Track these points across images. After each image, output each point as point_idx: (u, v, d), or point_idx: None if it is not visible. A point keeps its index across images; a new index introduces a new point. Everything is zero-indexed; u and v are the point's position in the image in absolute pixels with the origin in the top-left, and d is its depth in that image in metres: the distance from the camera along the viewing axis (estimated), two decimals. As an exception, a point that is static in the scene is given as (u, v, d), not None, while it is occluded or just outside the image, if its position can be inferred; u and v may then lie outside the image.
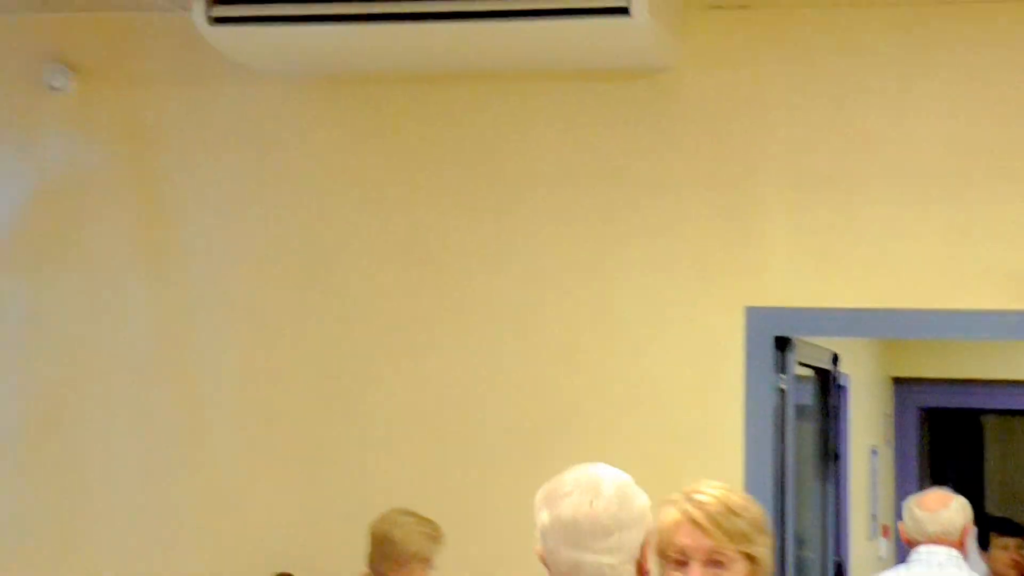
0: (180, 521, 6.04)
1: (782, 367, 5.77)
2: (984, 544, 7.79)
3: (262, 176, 6.08)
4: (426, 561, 5.35)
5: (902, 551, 6.52)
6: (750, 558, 3.41)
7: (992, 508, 11.55)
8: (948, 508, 6.03)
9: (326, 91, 6.04)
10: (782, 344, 5.76)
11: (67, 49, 6.18)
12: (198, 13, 5.52)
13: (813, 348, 7.21)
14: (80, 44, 6.18)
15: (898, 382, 11.03)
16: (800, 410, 6.43)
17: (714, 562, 3.40)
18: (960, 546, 6.02)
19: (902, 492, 9.87)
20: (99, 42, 6.17)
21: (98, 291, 6.14)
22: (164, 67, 6.14)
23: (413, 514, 5.43)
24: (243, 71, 5.94)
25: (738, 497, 3.48)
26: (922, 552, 6.00)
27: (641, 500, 3.50)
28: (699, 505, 3.43)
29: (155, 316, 6.11)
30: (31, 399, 6.16)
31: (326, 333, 6.00)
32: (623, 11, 5.25)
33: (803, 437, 7.10)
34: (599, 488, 3.45)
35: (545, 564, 3.47)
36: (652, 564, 3.49)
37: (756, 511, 3.48)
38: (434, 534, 5.38)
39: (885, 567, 7.89)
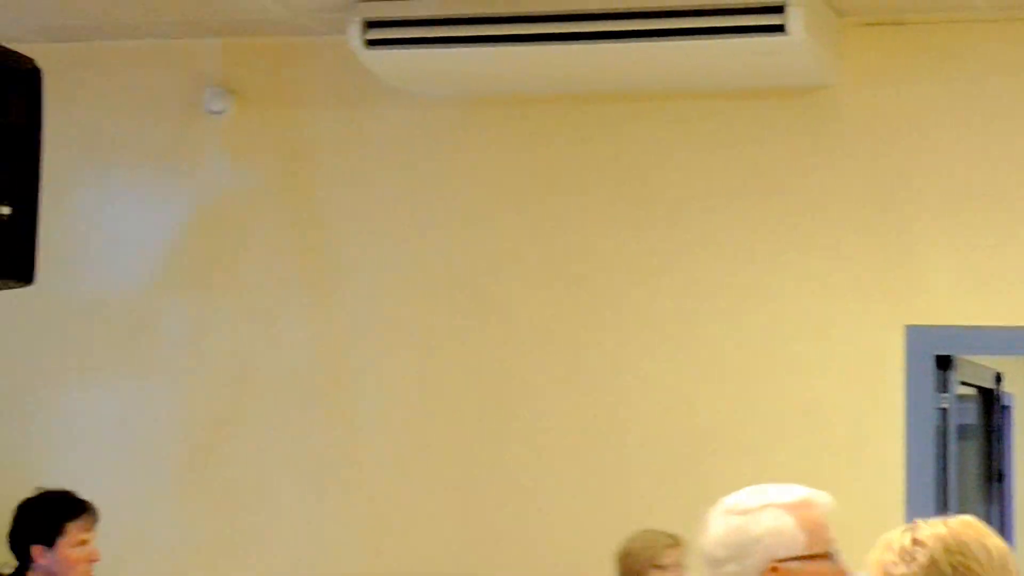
0: (338, 540, 6.08)
1: (943, 386, 5.68)
2: None
3: (417, 197, 6.11)
4: (663, 568, 5.27)
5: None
6: None
7: None
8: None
9: (480, 112, 6.05)
10: (943, 363, 5.66)
11: (226, 73, 6.26)
12: (354, 37, 5.57)
13: (975, 367, 7.07)
14: (239, 68, 6.26)
15: (1065, 402, 10.78)
16: (962, 430, 6.31)
17: None
18: None
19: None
20: (257, 66, 6.25)
21: (257, 312, 6.20)
22: (320, 90, 6.20)
23: (652, 529, 5.38)
24: (398, 93, 5.98)
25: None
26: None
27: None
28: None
29: (312, 336, 6.16)
30: (191, 419, 6.24)
31: (480, 352, 6.01)
32: (778, 29, 5.21)
33: (966, 458, 6.97)
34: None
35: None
36: None
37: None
38: (670, 542, 5.29)
39: (1051, 590, 7.69)
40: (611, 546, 5.40)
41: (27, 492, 4.98)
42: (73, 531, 4.86)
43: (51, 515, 4.89)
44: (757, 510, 3.28)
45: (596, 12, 5.34)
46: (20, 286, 5.28)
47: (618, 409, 5.88)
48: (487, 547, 5.93)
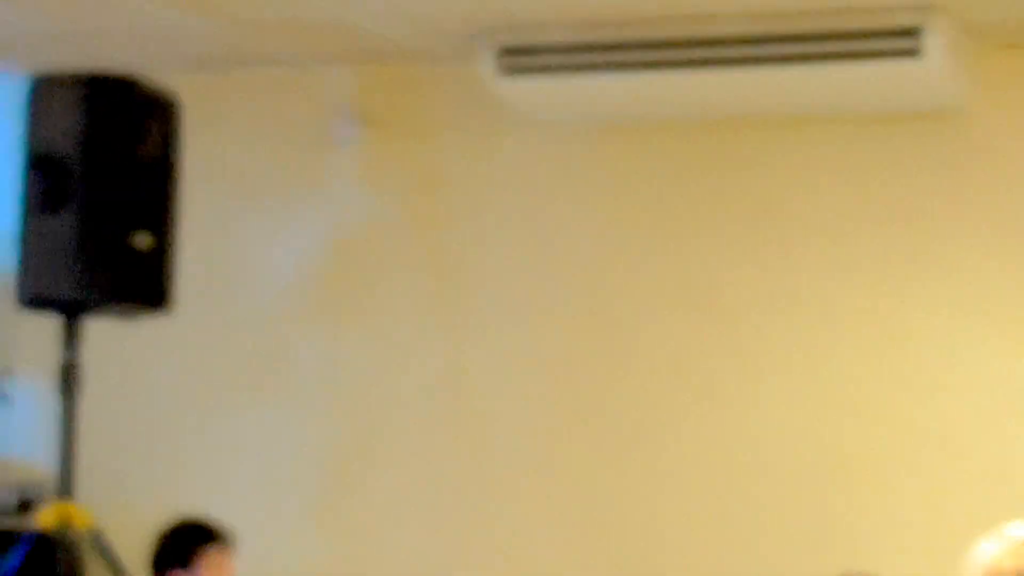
0: (469, 566, 6.07)
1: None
2: None
3: (548, 225, 6.11)
4: None
5: None
6: None
7: None
8: None
9: (612, 139, 6.04)
10: (1084, 389, 5.58)
11: (356, 101, 6.30)
12: (486, 64, 5.59)
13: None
14: (368, 96, 6.29)
15: None
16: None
17: None
18: None
19: None
20: (389, 94, 6.28)
21: (388, 340, 6.22)
22: (452, 118, 6.22)
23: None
24: (530, 121, 5.99)
25: None
26: None
27: None
28: None
29: (443, 364, 6.17)
30: (325, 446, 6.27)
31: (610, 380, 5.99)
32: (913, 52, 5.17)
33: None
34: None
35: None
36: None
37: None
38: None
39: None
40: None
41: (167, 518, 5.04)
42: (210, 556, 4.92)
43: (188, 540, 4.98)
44: None
45: (729, 38, 5.33)
46: (158, 314, 5.36)
47: (747, 438, 5.84)
48: (618, 567, 5.92)
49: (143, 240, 5.19)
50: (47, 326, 5.29)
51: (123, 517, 5.85)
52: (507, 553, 6.06)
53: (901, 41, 5.21)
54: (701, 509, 5.86)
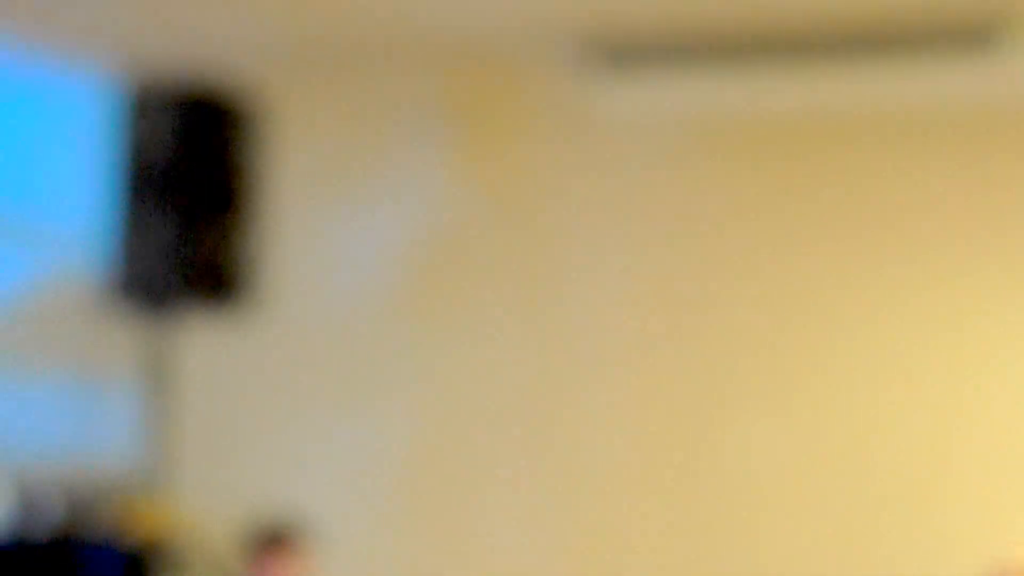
0: (559, 560, 6.06)
1: None
2: None
3: (641, 224, 6.09)
4: None
5: None
6: None
7: None
8: None
9: (702, 140, 6.01)
10: None
11: (446, 102, 6.31)
12: (577, 66, 5.59)
13: None
14: (459, 97, 6.29)
15: None
16: None
17: None
18: None
19: None
20: (478, 95, 6.28)
21: (479, 340, 6.23)
22: (541, 119, 6.21)
23: None
24: (620, 122, 5.97)
25: None
26: None
27: None
28: None
29: (534, 362, 6.17)
30: (419, 442, 6.29)
31: (702, 376, 5.96)
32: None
33: None
34: None
35: None
36: None
37: None
38: None
39: None
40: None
41: (256, 516, 5.07)
42: (276, 556, 4.94)
43: (262, 540, 5.01)
44: None
45: (826, 38, 5.30)
46: (249, 314, 5.40)
47: (837, 439, 5.81)
48: (707, 569, 5.90)
49: (233, 240, 5.23)
50: (140, 326, 5.33)
51: (213, 514, 5.90)
52: (600, 553, 6.05)
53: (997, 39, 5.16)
54: (797, 508, 5.82)
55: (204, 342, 6.05)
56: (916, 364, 5.74)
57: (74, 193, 6.54)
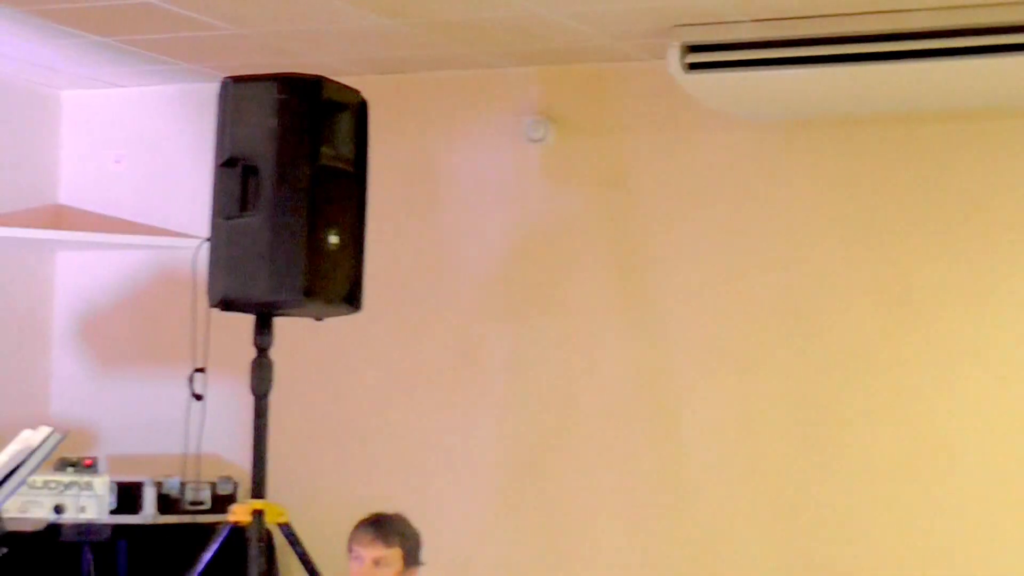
0: (660, 566, 6.05)
1: None
2: None
3: (738, 221, 6.06)
4: None
5: None
6: None
7: None
8: None
9: (801, 135, 5.97)
10: None
11: (545, 101, 6.31)
12: (673, 61, 5.56)
13: None
14: (558, 96, 6.30)
15: None
16: None
17: None
18: None
19: None
20: (576, 93, 6.28)
21: (578, 338, 6.22)
22: (640, 116, 6.20)
23: None
24: (718, 117, 5.94)
25: None
26: None
27: None
28: None
29: (634, 362, 6.16)
30: (514, 444, 6.30)
31: (804, 377, 5.92)
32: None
33: None
34: None
35: None
36: None
37: None
38: None
39: None
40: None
41: (354, 513, 5.07)
42: (353, 548, 4.94)
43: (358, 528, 5.01)
44: None
45: (918, 31, 5.23)
46: (350, 313, 5.43)
47: (946, 437, 5.74)
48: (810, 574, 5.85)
49: (333, 240, 5.25)
50: (240, 325, 5.38)
51: (314, 512, 5.94)
52: (701, 551, 6.02)
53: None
54: (898, 508, 5.77)
55: (303, 341, 6.10)
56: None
57: (181, 193, 6.63)
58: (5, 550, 4.72)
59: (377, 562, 4.88)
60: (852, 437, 5.85)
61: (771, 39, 5.42)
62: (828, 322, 5.91)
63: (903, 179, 5.84)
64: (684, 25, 5.52)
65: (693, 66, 5.53)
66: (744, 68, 5.46)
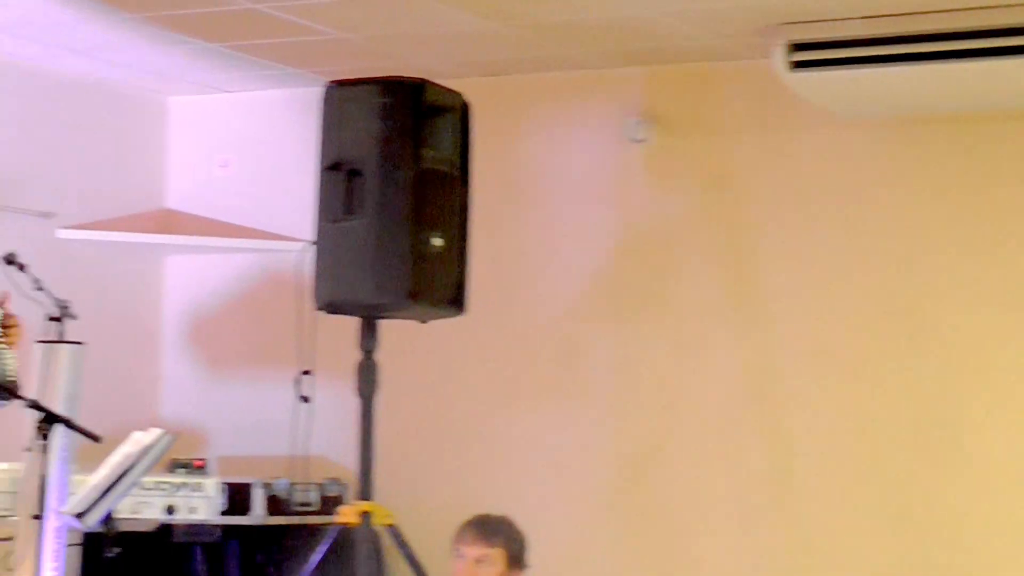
0: (769, 570, 6.02)
1: None
2: None
3: (845, 220, 6.01)
4: None
5: None
6: None
7: None
8: None
9: (909, 133, 5.91)
10: None
11: (647, 101, 6.29)
12: (778, 59, 5.53)
13: None
14: (660, 95, 6.28)
15: None
16: None
17: None
18: None
19: None
20: (679, 93, 6.25)
21: (684, 339, 6.20)
22: (743, 115, 6.17)
23: None
24: (824, 116, 5.89)
25: None
26: None
27: None
28: None
29: (742, 364, 6.12)
30: (621, 446, 6.28)
31: (916, 378, 5.86)
32: None
33: None
34: None
35: None
36: None
37: None
38: None
39: None
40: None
41: (460, 515, 5.09)
42: (457, 546, 4.95)
43: (463, 528, 5.02)
44: None
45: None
46: (454, 315, 5.44)
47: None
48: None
49: (437, 242, 5.26)
50: (345, 327, 5.40)
51: (420, 514, 5.96)
52: (807, 554, 5.98)
53: None
54: (1015, 513, 5.69)
55: (408, 343, 6.12)
56: None
57: (286, 196, 6.68)
58: (119, 550, 4.78)
59: (479, 560, 4.89)
60: (968, 440, 5.78)
61: (878, 36, 5.37)
62: (939, 322, 5.85)
63: (1018, 177, 5.76)
64: (789, 23, 5.48)
65: (798, 64, 5.50)
66: (850, 66, 5.41)
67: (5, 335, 4.33)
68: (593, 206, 6.38)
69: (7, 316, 4.33)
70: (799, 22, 5.47)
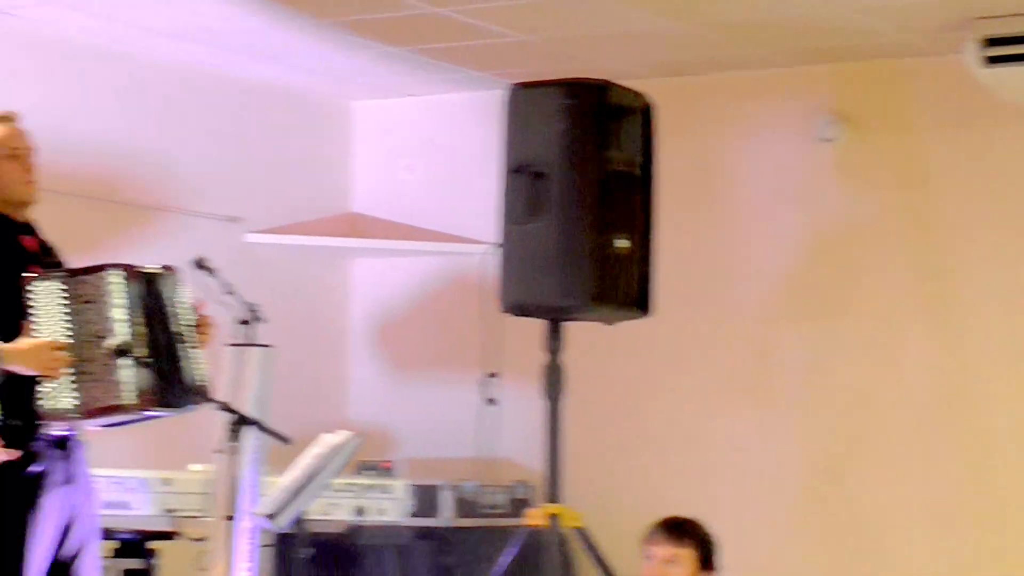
0: (970, 572, 5.91)
1: None
2: None
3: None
4: None
5: None
6: None
7: None
8: None
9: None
10: None
11: (836, 99, 6.22)
12: (971, 55, 5.43)
13: None
14: (848, 93, 6.20)
15: None
16: None
17: None
18: None
19: None
20: (869, 91, 6.17)
21: (876, 339, 6.12)
22: (935, 112, 6.07)
23: None
24: (1018, 112, 5.78)
25: None
26: None
27: None
28: None
29: (937, 365, 6.02)
30: (813, 448, 6.21)
31: None
32: None
33: None
34: None
35: None
36: None
37: None
38: None
39: None
40: None
41: (649, 518, 5.05)
42: (646, 547, 4.91)
43: (654, 528, 4.98)
44: None
45: None
46: (639, 317, 5.41)
47: None
48: None
49: (622, 244, 5.24)
50: (532, 330, 5.40)
51: (609, 516, 5.93)
52: (1009, 558, 5.85)
53: None
54: None
55: (595, 345, 6.11)
56: None
57: (469, 199, 6.70)
58: (313, 551, 4.83)
59: (668, 561, 4.84)
60: None
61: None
62: None
63: None
64: (982, 18, 5.38)
65: (992, 59, 5.40)
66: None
67: (199, 337, 4.40)
68: (782, 207, 6.31)
69: (200, 318, 4.41)
70: (992, 16, 5.37)
